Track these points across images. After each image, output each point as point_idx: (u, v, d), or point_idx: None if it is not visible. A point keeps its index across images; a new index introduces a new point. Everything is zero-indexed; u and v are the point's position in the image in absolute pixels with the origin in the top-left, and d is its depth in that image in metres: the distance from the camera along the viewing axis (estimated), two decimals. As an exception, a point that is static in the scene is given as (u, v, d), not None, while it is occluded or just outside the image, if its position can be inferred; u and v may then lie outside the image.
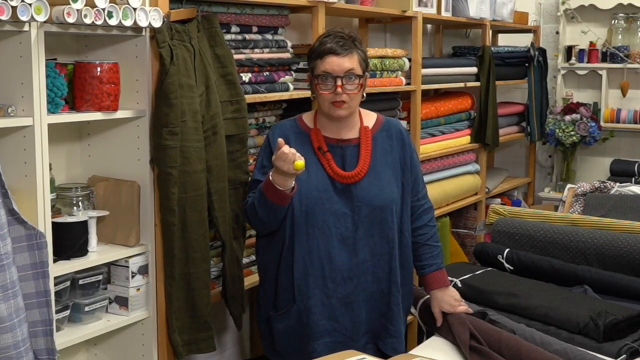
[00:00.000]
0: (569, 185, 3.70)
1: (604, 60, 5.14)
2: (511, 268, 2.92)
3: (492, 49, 4.56)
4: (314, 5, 3.05)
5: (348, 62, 2.37)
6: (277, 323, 2.49)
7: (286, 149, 2.23)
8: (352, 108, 2.43)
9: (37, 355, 2.13)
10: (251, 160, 2.82)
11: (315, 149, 2.45)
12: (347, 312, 2.45)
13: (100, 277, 2.48)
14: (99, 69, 2.33)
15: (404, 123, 3.61)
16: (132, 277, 2.49)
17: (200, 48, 2.51)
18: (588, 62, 5.19)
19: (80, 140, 2.61)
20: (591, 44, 5.19)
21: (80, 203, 2.44)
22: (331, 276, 2.42)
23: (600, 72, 5.15)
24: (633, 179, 4.26)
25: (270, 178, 2.29)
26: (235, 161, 2.65)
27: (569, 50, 5.23)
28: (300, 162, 2.24)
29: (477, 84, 4.43)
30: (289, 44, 3.04)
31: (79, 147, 2.61)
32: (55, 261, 2.23)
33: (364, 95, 2.48)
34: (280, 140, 2.27)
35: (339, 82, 2.36)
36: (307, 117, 2.52)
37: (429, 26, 4.70)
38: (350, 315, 2.45)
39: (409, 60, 3.75)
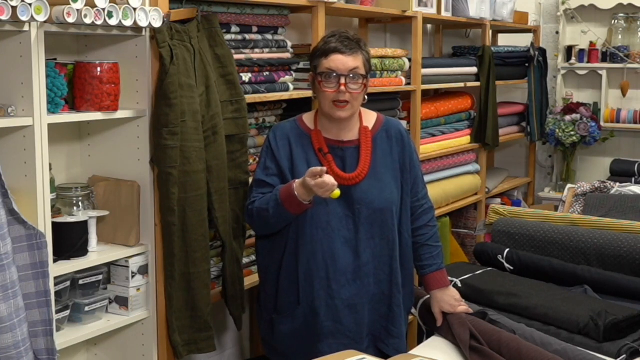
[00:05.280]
0: (569, 185, 3.70)
1: (604, 60, 5.14)
2: (511, 268, 2.92)
3: (492, 49, 4.56)
4: (314, 5, 3.05)
5: (353, 62, 2.38)
6: (281, 325, 2.49)
7: (330, 179, 2.24)
8: (353, 109, 2.43)
9: (37, 355, 2.13)
10: (251, 160, 2.82)
11: (316, 150, 2.45)
12: (351, 314, 2.45)
13: (100, 277, 2.48)
14: (99, 69, 2.33)
15: (404, 123, 3.62)
16: (132, 277, 2.49)
17: (201, 48, 2.51)
18: (588, 62, 5.19)
19: (81, 140, 2.61)
20: (591, 44, 5.19)
21: (80, 203, 2.44)
22: (335, 278, 2.42)
23: (600, 72, 5.15)
24: (633, 179, 4.26)
25: (296, 193, 2.29)
26: (236, 161, 2.65)
27: (569, 50, 5.23)
28: (337, 192, 2.26)
29: (477, 84, 4.43)
30: (289, 44, 3.04)
31: (79, 147, 2.61)
32: (55, 261, 2.23)
33: (366, 97, 2.48)
34: (324, 168, 2.26)
35: (342, 81, 2.36)
36: (307, 118, 2.52)
37: (429, 26, 4.70)
38: (355, 317, 2.45)
39: (409, 60, 3.75)
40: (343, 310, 2.44)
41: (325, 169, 2.26)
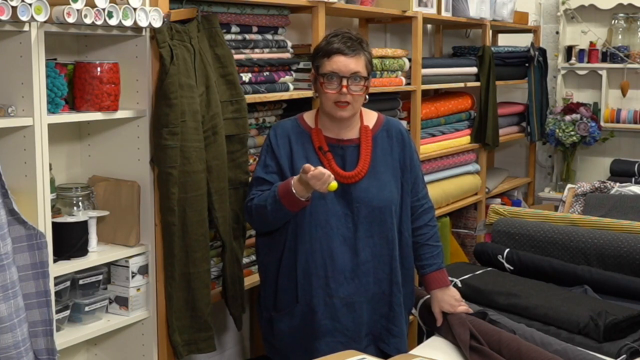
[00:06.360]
0: (569, 185, 3.70)
1: (604, 60, 5.14)
2: (511, 268, 2.92)
3: (492, 49, 4.56)
4: (314, 5, 3.05)
5: (355, 64, 2.38)
6: (280, 324, 2.50)
7: (326, 170, 2.24)
8: (354, 109, 2.44)
9: (37, 355, 2.13)
10: (251, 160, 2.82)
11: (316, 148, 2.46)
12: (349, 312, 2.45)
13: (100, 277, 2.48)
14: (99, 69, 2.33)
15: (404, 123, 3.62)
16: (132, 277, 2.49)
17: (201, 48, 2.51)
18: (588, 62, 5.19)
19: (81, 140, 2.61)
20: (591, 44, 5.19)
21: (80, 203, 2.44)
22: (333, 276, 2.42)
23: (600, 72, 5.15)
24: (633, 179, 4.26)
25: (293, 190, 2.30)
26: (236, 161, 2.65)
27: (569, 50, 5.23)
28: (334, 183, 2.26)
29: (477, 84, 4.43)
30: (289, 44, 3.04)
31: (79, 147, 2.61)
32: (55, 261, 2.23)
33: (367, 97, 2.48)
34: (320, 168, 2.26)
35: (344, 83, 2.37)
36: (308, 117, 2.53)
37: (429, 26, 4.70)
38: (352, 315, 2.45)
39: (409, 60, 3.75)
40: (341, 308, 2.44)
41: (319, 167, 2.26)
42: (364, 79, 2.41)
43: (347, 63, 2.37)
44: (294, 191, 2.30)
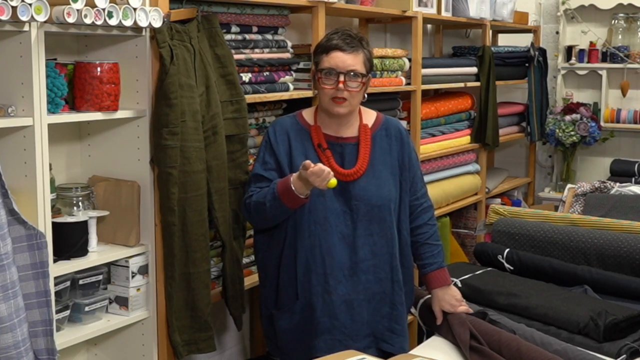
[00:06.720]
0: (569, 185, 3.70)
1: (604, 60, 5.14)
2: (511, 268, 2.92)
3: (492, 49, 4.56)
4: (314, 5, 3.05)
5: (352, 60, 2.39)
6: (280, 321, 2.50)
7: (325, 167, 2.25)
8: (352, 106, 2.44)
9: (37, 355, 2.13)
10: (251, 160, 2.82)
11: (315, 145, 2.46)
12: (348, 310, 2.45)
13: (100, 277, 2.48)
14: (99, 69, 2.33)
15: (404, 123, 3.62)
16: (132, 277, 2.49)
17: (201, 48, 2.51)
18: (588, 62, 5.19)
19: (81, 140, 2.61)
20: (591, 44, 5.19)
21: (80, 203, 2.44)
22: (332, 273, 2.43)
23: (600, 72, 5.15)
24: (633, 179, 4.26)
25: (292, 187, 2.30)
26: (236, 161, 2.66)
27: (569, 50, 5.23)
28: (333, 180, 2.27)
29: (477, 84, 4.43)
30: (289, 44, 3.04)
31: (79, 147, 2.61)
32: (55, 261, 2.23)
33: (365, 95, 2.48)
34: (320, 165, 2.26)
35: (341, 78, 2.38)
36: (307, 114, 2.53)
37: (429, 26, 4.70)
38: (351, 313, 2.45)
39: (409, 60, 3.75)
40: (339, 306, 2.44)
41: (318, 164, 2.26)
42: (362, 76, 2.41)
43: (344, 59, 2.38)
44: (293, 188, 2.30)
